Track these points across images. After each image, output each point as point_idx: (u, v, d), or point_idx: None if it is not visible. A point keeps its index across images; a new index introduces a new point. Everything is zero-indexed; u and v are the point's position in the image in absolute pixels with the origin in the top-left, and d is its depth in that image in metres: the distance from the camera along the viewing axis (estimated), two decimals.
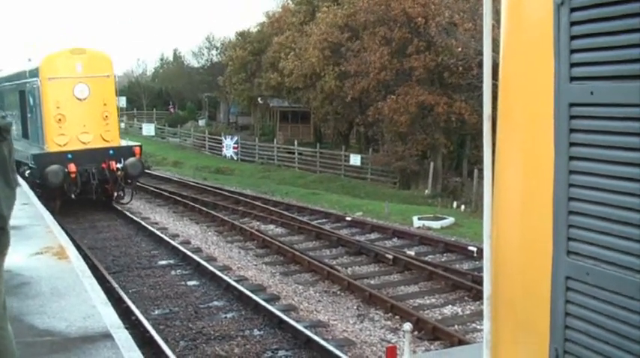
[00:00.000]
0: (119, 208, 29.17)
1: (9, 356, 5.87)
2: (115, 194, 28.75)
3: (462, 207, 31.76)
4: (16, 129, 30.93)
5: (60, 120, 26.97)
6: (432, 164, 40.72)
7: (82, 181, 26.47)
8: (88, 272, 11.69)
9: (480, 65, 34.99)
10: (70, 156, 26.33)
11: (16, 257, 12.14)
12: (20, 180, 25.10)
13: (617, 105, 2.93)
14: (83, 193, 26.93)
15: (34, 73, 27.65)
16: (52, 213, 19.68)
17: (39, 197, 22.39)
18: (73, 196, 26.51)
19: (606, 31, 2.96)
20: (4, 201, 5.67)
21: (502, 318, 3.89)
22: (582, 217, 3.16)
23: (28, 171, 27.00)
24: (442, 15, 37.16)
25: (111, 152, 27.48)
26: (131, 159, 27.50)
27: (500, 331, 3.93)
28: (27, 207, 19.19)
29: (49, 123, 27.01)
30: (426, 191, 39.13)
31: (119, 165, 27.17)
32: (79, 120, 27.34)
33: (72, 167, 25.99)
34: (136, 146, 28.84)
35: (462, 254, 20.67)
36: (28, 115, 29.27)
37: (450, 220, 26.67)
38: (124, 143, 29.63)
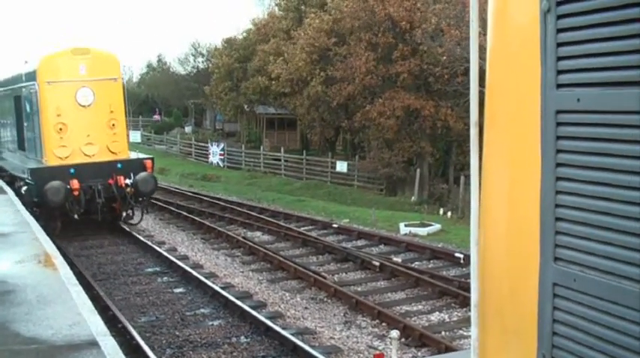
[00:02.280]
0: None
1: None
2: (124, 213, 25.67)
3: (449, 213, 31.81)
4: (10, 140, 29.47)
5: (61, 129, 23.86)
6: (418, 171, 40.76)
7: (86, 199, 23.28)
8: (74, 280, 11.65)
9: (466, 72, 35.29)
10: (72, 170, 23.13)
11: (1, 264, 12.12)
12: (6, 188, 24.96)
13: (604, 112, 2.94)
14: (87, 213, 23.83)
15: (31, 76, 24.71)
16: (51, 235, 18.07)
17: (37, 217, 19.94)
18: (76, 216, 23.37)
19: (593, 38, 2.97)
20: None
21: (490, 325, 3.90)
22: (569, 224, 3.17)
23: (24, 188, 23.99)
24: (429, 21, 37.23)
25: (119, 166, 24.23)
26: (142, 174, 24.16)
27: (487, 338, 3.93)
28: (12, 215, 19.13)
29: (49, 133, 23.87)
30: (413, 198, 39.18)
31: (128, 181, 23.96)
32: (83, 130, 24.20)
33: (75, 183, 22.77)
34: (147, 159, 25.64)
35: (449, 260, 20.69)
36: (25, 124, 26.36)
37: (437, 227, 26.70)
38: (133, 155, 26.27)
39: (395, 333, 5.00)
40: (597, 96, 2.97)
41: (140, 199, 24.80)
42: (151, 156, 27.58)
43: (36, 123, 24.46)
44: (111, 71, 25.12)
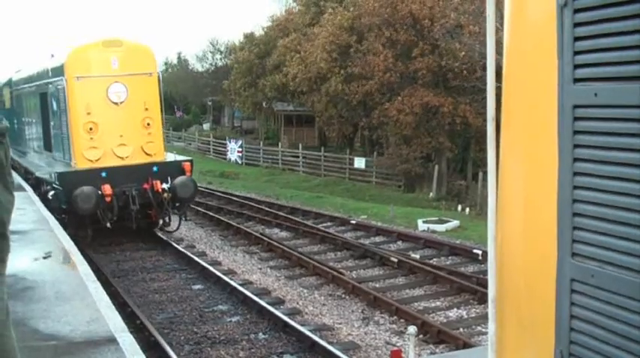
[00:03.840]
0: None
1: None
2: (161, 221, 23.62)
3: (467, 209, 31.74)
4: (36, 140, 28.15)
5: (91, 129, 21.91)
6: (436, 167, 40.70)
7: (120, 206, 21.42)
8: (93, 277, 11.70)
9: (485, 68, 35.01)
10: (104, 174, 21.30)
11: (21, 261, 12.17)
12: (25, 184, 24.88)
13: (621, 106, 2.92)
14: (121, 220, 21.95)
15: (59, 71, 22.69)
16: (79, 244, 17.04)
17: (65, 226, 18.47)
18: (108, 225, 21.53)
19: (610, 32, 2.95)
20: (3, 206, 5.63)
21: (507, 321, 3.88)
22: (587, 219, 3.15)
23: (51, 193, 21.75)
24: (448, 17, 37.13)
25: (155, 169, 22.28)
26: (181, 178, 22.24)
27: (505, 333, 3.92)
28: (31, 212, 19.21)
29: (78, 134, 21.87)
30: (431, 194, 39.10)
31: (165, 186, 22.07)
32: (115, 130, 22.26)
33: (107, 188, 20.97)
34: (185, 161, 23.61)
35: (467, 257, 20.64)
36: (51, 123, 24.51)
37: (455, 223, 26.65)
38: (170, 157, 24.26)
39: (412, 329, 4.99)
40: (615, 90, 2.95)
41: (178, 205, 22.96)
42: (189, 157, 25.66)
43: (64, 122, 22.53)
44: (145, 65, 23.15)
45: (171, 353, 12.56)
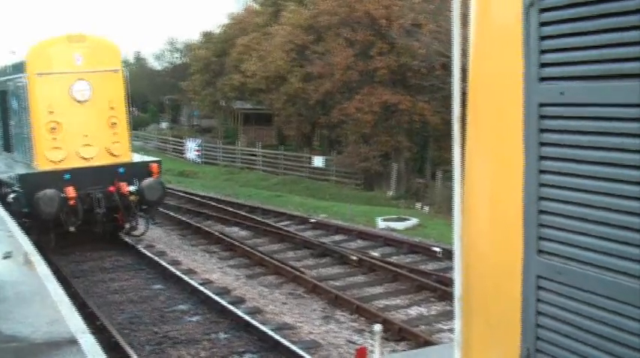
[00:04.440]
0: None
1: None
2: (127, 225, 22.61)
3: (426, 208, 31.90)
4: None
5: (54, 129, 20.79)
6: (395, 165, 40.84)
7: (85, 209, 20.42)
8: (52, 277, 11.60)
9: (443, 67, 35.40)
10: (67, 176, 20.30)
11: None
12: None
13: (587, 104, 2.95)
14: (85, 224, 20.86)
15: (19, 67, 21.59)
16: (42, 249, 16.65)
17: (27, 231, 17.48)
18: (72, 229, 20.47)
19: (576, 32, 2.98)
20: None
21: (473, 318, 3.91)
22: (553, 216, 3.18)
23: (12, 196, 20.88)
24: (406, 17, 37.30)
25: (121, 170, 21.35)
26: (148, 180, 21.43)
27: (471, 331, 3.95)
28: None
29: (40, 134, 20.81)
30: (390, 192, 39.24)
31: (132, 188, 21.24)
32: (79, 129, 21.16)
33: (71, 191, 19.96)
34: (153, 162, 22.73)
35: (427, 255, 20.74)
36: (11, 123, 23.31)
37: (414, 221, 26.77)
38: (137, 158, 23.51)
39: (378, 327, 5.01)
40: (581, 89, 2.99)
41: (145, 208, 22.13)
42: (157, 158, 24.74)
43: (25, 121, 21.42)
44: (111, 61, 22.15)
45: (132, 354, 12.50)
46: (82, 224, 20.67)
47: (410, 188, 40.63)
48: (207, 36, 63.44)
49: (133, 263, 20.54)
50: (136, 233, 22.76)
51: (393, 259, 20.51)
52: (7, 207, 20.79)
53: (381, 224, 26.42)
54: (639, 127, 2.71)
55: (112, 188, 20.99)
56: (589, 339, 3.03)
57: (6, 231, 16.19)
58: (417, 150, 43.96)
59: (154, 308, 16.10)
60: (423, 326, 14.77)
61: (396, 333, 14.00)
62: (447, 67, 33.66)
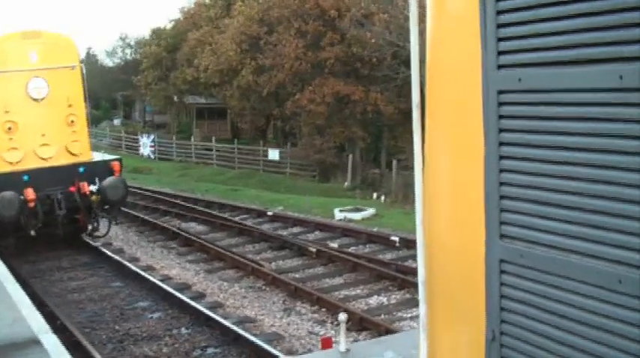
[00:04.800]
0: None
1: None
2: (90, 226, 21.72)
3: (382, 197, 32.03)
4: None
5: (10, 129, 19.93)
6: (350, 156, 40.95)
7: (44, 211, 19.56)
8: (11, 278, 11.53)
9: (395, 56, 35.53)
10: (26, 177, 19.46)
11: None
12: None
13: (544, 91, 3.01)
14: (46, 227, 19.99)
15: None
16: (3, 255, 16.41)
17: (3, 257, 16.78)
18: (32, 233, 19.62)
19: (533, 19, 3.04)
20: None
21: (437, 303, 3.96)
22: (514, 201, 3.24)
23: None
24: (357, 6, 37.46)
25: (81, 170, 20.46)
26: (110, 179, 20.58)
27: (436, 315, 4.00)
28: None
29: None
30: (346, 183, 39.34)
31: (93, 188, 20.32)
32: (36, 128, 20.30)
33: (30, 193, 19.11)
34: (113, 160, 22.06)
35: (385, 244, 20.84)
36: None
37: (371, 211, 26.87)
38: (97, 157, 22.57)
39: (343, 316, 5.05)
40: (538, 75, 3.04)
41: (107, 208, 21.21)
42: (118, 156, 24.23)
43: None
44: (67, 57, 21.24)
45: (94, 352, 12.44)
46: (42, 226, 19.88)
47: (366, 178, 40.81)
48: (158, 32, 63.11)
49: (91, 261, 20.38)
50: (98, 234, 22.00)
51: (352, 249, 20.60)
52: None
53: (338, 215, 26.50)
54: (595, 111, 2.78)
55: (72, 188, 20.17)
56: (552, 320, 3.10)
57: None
58: (372, 141, 44.17)
59: (114, 306, 16.02)
60: (384, 315, 14.85)
61: (358, 323, 14.05)
62: (398, 57, 33.92)
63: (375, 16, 35.52)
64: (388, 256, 19.59)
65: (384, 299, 16.10)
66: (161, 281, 17.43)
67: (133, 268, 18.56)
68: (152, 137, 59.46)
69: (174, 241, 23.22)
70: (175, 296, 15.82)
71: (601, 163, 2.79)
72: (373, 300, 16.10)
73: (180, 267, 19.77)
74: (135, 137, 62.01)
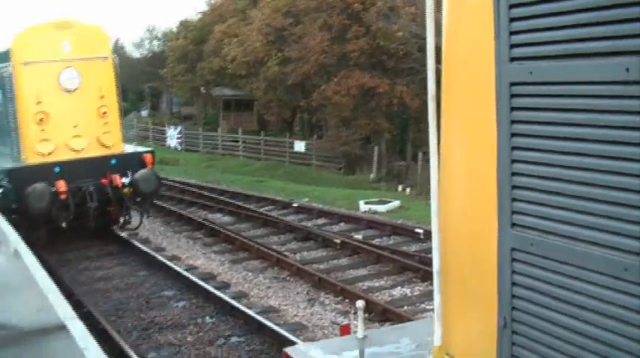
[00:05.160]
0: None
1: None
2: (122, 219, 21.35)
3: (407, 190, 32.06)
4: None
5: (42, 120, 19.46)
6: (376, 148, 40.98)
7: (76, 204, 19.10)
8: (38, 265, 11.62)
9: (421, 49, 35.52)
10: (57, 169, 19.02)
11: None
12: None
13: (554, 83, 3.09)
14: (77, 219, 19.56)
15: (3, 56, 20.21)
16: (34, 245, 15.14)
17: (17, 227, 15.68)
18: (63, 225, 19.31)
19: (543, 13, 3.12)
20: None
21: (451, 291, 4.05)
22: (525, 191, 3.33)
23: None
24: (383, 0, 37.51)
25: (113, 162, 20.12)
26: (142, 172, 20.10)
27: (450, 303, 4.09)
28: None
29: (27, 125, 19.53)
30: (371, 175, 39.37)
31: (125, 180, 19.94)
32: (69, 120, 19.77)
33: (61, 185, 18.65)
34: (146, 152, 21.52)
35: (409, 236, 20.83)
36: None
37: (396, 203, 26.87)
38: (129, 148, 22.17)
39: (360, 303, 5.14)
40: (548, 68, 3.12)
41: (139, 200, 20.78)
42: (150, 148, 23.67)
43: (10, 112, 20.16)
44: (100, 48, 20.80)
45: (119, 339, 12.61)
46: (73, 219, 19.37)
47: (391, 170, 40.82)
48: (185, 25, 63.39)
49: (118, 250, 20.51)
50: (130, 227, 21.64)
51: (376, 241, 20.60)
52: None
53: (363, 207, 26.52)
54: (602, 103, 2.86)
55: (104, 180, 19.74)
56: (561, 307, 3.18)
57: None
58: (398, 133, 44.19)
59: (139, 295, 16.15)
60: (407, 307, 14.88)
61: (380, 314, 14.12)
62: (424, 50, 33.88)
63: (400, 9, 35.52)
64: (412, 248, 19.59)
65: (407, 291, 16.14)
66: (186, 270, 17.55)
67: (159, 258, 18.70)
68: (179, 128, 59.71)
69: (199, 232, 23.33)
70: (200, 286, 15.93)
71: (607, 154, 2.87)
72: (396, 292, 16.14)
73: (206, 257, 19.88)
74: (162, 128, 62.31)
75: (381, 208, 26.02)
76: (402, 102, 39.18)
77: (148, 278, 17.52)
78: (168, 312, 14.75)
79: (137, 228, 21.70)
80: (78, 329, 8.32)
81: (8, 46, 19.89)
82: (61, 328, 8.36)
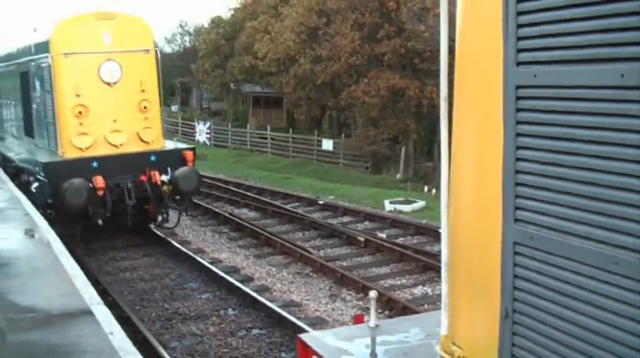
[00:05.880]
0: None
1: None
2: (160, 217, 20.84)
3: (433, 190, 32.13)
4: (15, 124, 25.28)
5: (80, 113, 18.86)
6: (403, 148, 41.07)
7: (114, 201, 18.63)
8: (66, 253, 11.93)
9: (451, 50, 35.45)
10: (95, 164, 18.48)
11: None
12: None
13: (556, 86, 3.28)
14: (113, 216, 19.09)
15: (43, 47, 19.65)
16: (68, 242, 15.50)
17: (51, 222, 15.63)
18: (100, 222, 18.88)
19: (548, 21, 3.31)
20: None
21: (458, 283, 4.25)
22: (527, 188, 3.52)
23: (35, 185, 19.25)
24: (414, 0, 37.48)
25: (153, 158, 19.47)
26: (183, 169, 19.44)
27: (457, 294, 4.28)
28: (2, 191, 19.26)
29: (66, 118, 18.86)
30: (398, 175, 39.48)
31: (165, 177, 19.27)
32: (108, 114, 19.24)
33: (99, 180, 18.14)
34: (187, 149, 20.90)
35: (433, 236, 20.93)
36: (34, 106, 21.37)
37: (421, 203, 26.98)
38: (169, 145, 21.59)
39: (373, 293, 5.32)
40: (551, 72, 3.31)
41: (178, 198, 20.02)
42: (191, 145, 23.21)
43: (49, 104, 19.50)
44: (142, 40, 20.13)
45: (142, 328, 12.87)
46: (109, 216, 18.97)
47: (418, 171, 40.89)
48: (217, 21, 63.72)
49: (144, 242, 20.78)
50: (167, 225, 21.11)
51: (400, 240, 20.75)
52: (30, 196, 18.81)
53: (388, 206, 26.66)
54: (599, 107, 3.04)
55: (143, 177, 19.14)
56: (557, 298, 3.37)
57: (21, 209, 16.51)
58: (426, 134, 44.21)
59: (164, 286, 16.43)
60: (427, 305, 15.04)
61: (400, 311, 14.27)
62: (453, 51, 33.91)
63: (430, 11, 35.55)
64: (435, 248, 19.69)
65: (429, 290, 16.29)
66: (211, 263, 17.79)
67: (184, 250, 18.94)
68: (208, 124, 60.04)
69: (225, 226, 23.57)
70: (224, 279, 16.17)
71: (602, 154, 3.05)
72: (418, 290, 16.31)
73: (231, 251, 20.12)
74: (191, 123, 62.69)
75: (406, 208, 26.15)
76: (431, 103, 39.18)
77: (173, 269, 17.80)
78: (191, 303, 15.03)
79: (174, 226, 21.28)
80: (103, 314, 8.61)
81: (47, 37, 19.39)
82: (87, 313, 8.65)
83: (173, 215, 20.61)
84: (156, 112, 20.31)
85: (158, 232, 21.12)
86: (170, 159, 19.78)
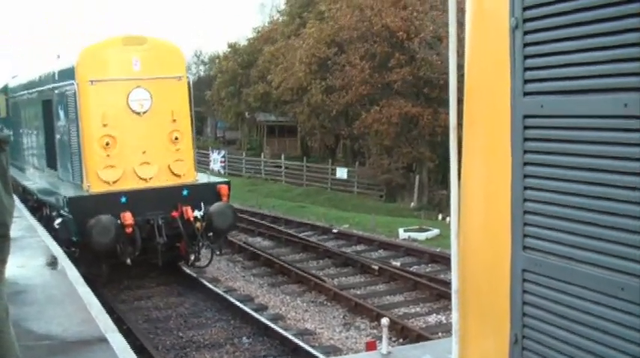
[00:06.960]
0: None
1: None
2: (192, 256, 19.32)
3: (447, 218, 32.10)
4: (36, 155, 23.99)
5: (108, 144, 17.69)
6: (417, 177, 41.11)
7: (143, 238, 17.26)
8: (82, 281, 12.04)
9: (463, 79, 35.55)
10: (124, 199, 17.24)
11: (12, 267, 12.48)
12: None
13: (562, 116, 3.36)
14: (143, 254, 17.76)
15: (68, 73, 18.46)
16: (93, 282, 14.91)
17: (76, 261, 15.04)
18: (128, 261, 17.44)
19: (554, 52, 3.39)
20: (6, 209, 5.94)
21: (469, 310, 4.30)
22: (535, 216, 3.58)
23: (58, 222, 17.59)
24: (426, 29, 37.62)
25: (185, 193, 18.14)
26: (217, 205, 18.12)
27: (467, 322, 4.34)
28: (19, 220, 19.33)
29: (92, 149, 17.66)
30: (412, 203, 39.50)
31: (198, 213, 17.99)
32: (137, 145, 18.04)
33: (127, 217, 16.82)
34: (221, 183, 19.53)
35: (447, 264, 20.86)
36: (57, 136, 19.98)
37: (436, 232, 26.99)
38: (203, 178, 20.30)
39: (385, 320, 5.39)
40: (557, 102, 3.39)
41: (211, 235, 18.58)
42: (226, 179, 22.08)
43: (74, 135, 18.23)
44: (173, 67, 19.00)
45: (157, 356, 12.93)
46: (139, 255, 17.68)
47: (432, 199, 40.89)
48: (233, 47, 64.07)
49: (158, 270, 20.78)
50: (199, 264, 19.73)
51: (414, 268, 20.76)
52: (53, 233, 17.76)
53: (402, 234, 26.69)
54: (604, 136, 3.11)
55: (174, 213, 17.81)
56: (565, 325, 3.42)
57: (37, 237, 16.64)
58: (440, 162, 44.24)
59: (178, 315, 16.48)
60: (441, 333, 15.04)
61: (415, 340, 14.28)
62: (462, 81, 33.99)
63: (443, 40, 35.70)
64: (450, 276, 19.65)
65: (443, 318, 16.29)
66: (225, 292, 17.84)
67: (199, 279, 18.99)
68: (222, 152, 60.12)
69: (239, 255, 23.64)
70: (238, 307, 16.21)
71: (607, 182, 3.12)
72: (432, 318, 16.32)
73: (245, 280, 20.17)
74: (205, 152, 62.87)
75: (421, 236, 26.17)
76: (445, 131, 39.18)
77: (188, 298, 17.80)
78: (206, 332, 15.08)
79: (207, 266, 19.90)
80: (118, 342, 8.69)
81: (73, 63, 18.24)
82: (102, 340, 8.73)
83: (205, 252, 19.34)
84: (188, 143, 19.13)
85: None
86: (203, 194, 18.55)
